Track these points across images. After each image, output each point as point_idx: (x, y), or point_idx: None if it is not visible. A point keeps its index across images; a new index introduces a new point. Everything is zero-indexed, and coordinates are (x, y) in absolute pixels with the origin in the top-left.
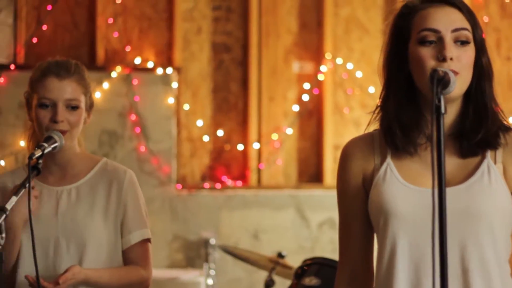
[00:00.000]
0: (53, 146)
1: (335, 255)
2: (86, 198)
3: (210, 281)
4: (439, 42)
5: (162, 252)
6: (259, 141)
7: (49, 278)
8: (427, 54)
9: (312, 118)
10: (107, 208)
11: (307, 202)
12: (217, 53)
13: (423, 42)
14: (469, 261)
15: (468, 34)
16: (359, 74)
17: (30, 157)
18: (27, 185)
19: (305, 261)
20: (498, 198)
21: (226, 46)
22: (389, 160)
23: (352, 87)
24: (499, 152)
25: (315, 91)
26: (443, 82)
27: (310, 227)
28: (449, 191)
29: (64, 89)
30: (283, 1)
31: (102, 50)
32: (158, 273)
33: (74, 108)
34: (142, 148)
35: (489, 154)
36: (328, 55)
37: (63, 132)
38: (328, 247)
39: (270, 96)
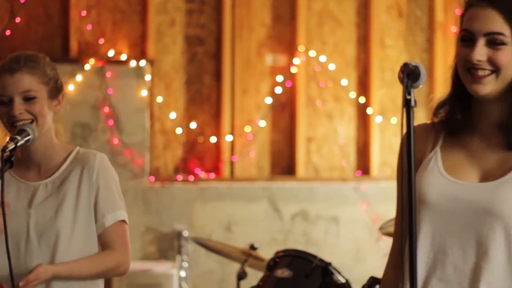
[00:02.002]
0: (26, 138)
1: (307, 247)
2: (57, 191)
3: (183, 273)
4: (472, 43)
5: (135, 244)
6: (232, 133)
7: (20, 274)
8: (462, 53)
9: (285, 111)
10: (78, 196)
11: (279, 194)
12: (190, 46)
13: (462, 41)
14: (482, 258)
15: (503, 38)
16: (332, 66)
17: (3, 150)
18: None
19: (277, 253)
20: None
21: (199, 38)
22: (437, 149)
23: (325, 79)
24: None
25: (288, 84)
26: (413, 75)
27: (283, 219)
28: (481, 187)
29: (16, 83)
30: None
31: (75, 42)
32: (131, 265)
33: (31, 99)
34: (115, 141)
35: None
36: (301, 48)
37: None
38: (301, 239)
39: (243, 88)
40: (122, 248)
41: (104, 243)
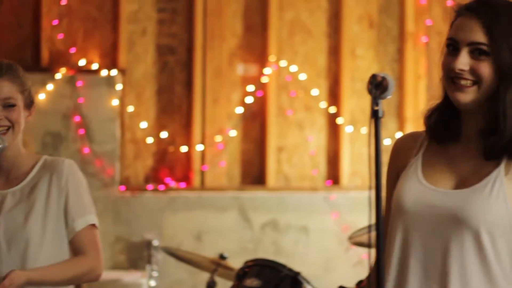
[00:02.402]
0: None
1: (277, 257)
2: (27, 199)
3: (152, 283)
4: (456, 52)
5: (105, 253)
6: (202, 143)
7: None
8: (446, 61)
9: (255, 120)
10: (47, 202)
11: (250, 203)
12: (161, 55)
13: (447, 49)
14: (449, 265)
15: (485, 48)
16: (302, 76)
17: None
18: None
19: (246, 262)
20: (492, 209)
21: (170, 48)
22: (419, 156)
23: (296, 89)
24: None
25: (259, 94)
26: (381, 86)
27: (253, 228)
28: (453, 194)
29: None
30: (228, 4)
31: (46, 51)
32: None
33: (11, 106)
34: (86, 150)
35: (503, 165)
36: (272, 58)
37: (5, 132)
38: (271, 248)
39: (214, 98)
40: (93, 252)
41: (75, 249)
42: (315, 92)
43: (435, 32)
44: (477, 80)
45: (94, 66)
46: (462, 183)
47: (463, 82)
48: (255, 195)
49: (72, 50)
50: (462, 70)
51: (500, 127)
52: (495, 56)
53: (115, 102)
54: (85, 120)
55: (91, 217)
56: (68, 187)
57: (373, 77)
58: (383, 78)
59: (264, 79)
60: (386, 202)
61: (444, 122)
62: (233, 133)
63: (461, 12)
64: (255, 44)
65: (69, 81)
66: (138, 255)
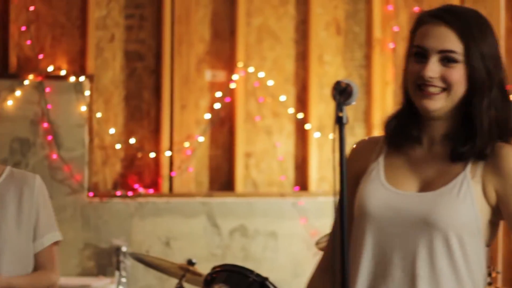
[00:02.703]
0: None
1: (246, 263)
2: None
3: None
4: (425, 60)
5: (74, 260)
6: (171, 149)
7: None
8: (413, 69)
9: (224, 126)
10: (19, 215)
11: (218, 209)
12: (129, 61)
13: (414, 57)
14: (419, 268)
15: (456, 56)
16: (270, 82)
17: None
18: None
19: (214, 268)
20: (460, 211)
21: (139, 54)
22: (380, 159)
23: (264, 95)
24: (480, 167)
25: (227, 100)
26: (345, 93)
27: (221, 234)
28: (420, 196)
29: None
30: (196, 10)
31: (14, 57)
32: (69, 281)
33: None
34: (54, 156)
35: (469, 167)
36: (240, 64)
37: None
38: (239, 254)
39: (182, 104)
40: (55, 268)
41: (39, 263)
42: (283, 98)
43: (402, 38)
44: (447, 87)
45: (62, 72)
46: (427, 186)
47: (431, 89)
48: (223, 200)
49: (40, 56)
50: (431, 77)
51: (477, 132)
52: (468, 63)
53: (83, 108)
54: (53, 126)
55: (57, 233)
56: (39, 203)
57: (338, 83)
58: (347, 85)
59: (232, 85)
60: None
61: (403, 127)
62: (201, 139)
63: (426, 19)
64: (223, 50)
65: (37, 87)
66: (106, 261)
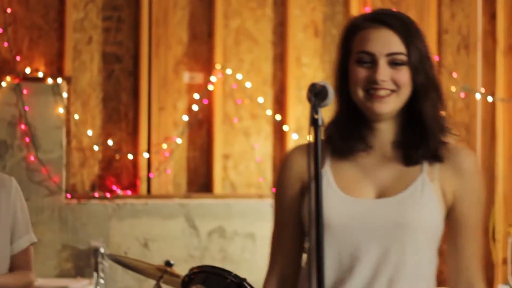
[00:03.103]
0: None
1: (224, 264)
2: None
3: None
4: (373, 64)
5: (51, 261)
6: (148, 150)
7: None
8: (361, 74)
9: (202, 128)
10: None
11: (196, 211)
12: (107, 63)
13: (359, 62)
14: (393, 272)
15: (403, 57)
16: (248, 84)
17: None
18: None
19: (192, 269)
20: (426, 213)
21: (116, 56)
22: (327, 167)
23: (242, 97)
24: (437, 169)
25: (205, 101)
26: (321, 95)
27: (200, 236)
28: (382, 202)
29: None
30: (173, 12)
31: None
32: (47, 282)
33: None
34: (32, 158)
35: (426, 170)
36: (218, 66)
37: None
38: (218, 255)
39: (160, 106)
40: (31, 269)
41: (15, 264)
42: (261, 100)
43: None
44: (396, 89)
45: (40, 74)
46: (384, 192)
47: (382, 92)
48: (201, 202)
49: (18, 58)
50: (383, 80)
51: (428, 134)
52: (411, 65)
53: (61, 110)
54: (30, 128)
55: (33, 235)
56: (17, 205)
57: (313, 85)
58: (323, 87)
59: (210, 87)
60: (282, 215)
61: (350, 134)
62: (179, 140)
63: (364, 24)
64: (201, 52)
65: (15, 89)
66: (84, 263)
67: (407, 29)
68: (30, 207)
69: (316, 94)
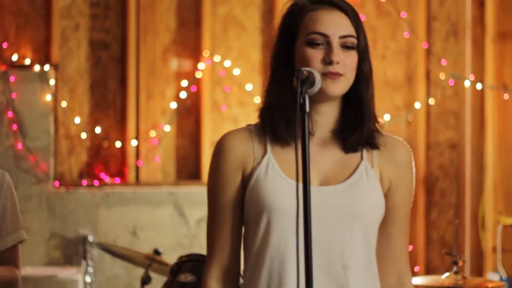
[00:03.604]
0: None
1: None
2: None
3: (88, 279)
4: (327, 45)
5: (40, 249)
6: (137, 138)
7: None
8: (314, 55)
9: (190, 116)
10: None
11: (185, 199)
12: (95, 50)
13: (311, 44)
14: (347, 257)
15: (354, 41)
16: (236, 71)
17: None
18: None
19: (180, 257)
20: (373, 200)
21: (104, 43)
22: (269, 154)
23: (230, 84)
24: (376, 157)
25: (193, 89)
26: (308, 81)
27: (188, 224)
28: (329, 190)
29: None
30: None
31: None
32: (35, 271)
33: None
34: (19, 146)
35: (366, 157)
36: (206, 53)
37: None
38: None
39: (148, 93)
40: (18, 266)
41: (1, 261)
42: (249, 87)
43: (367, 28)
44: (345, 72)
45: (27, 61)
46: (328, 179)
47: (337, 74)
48: (190, 190)
49: (4, 45)
50: (337, 62)
51: (361, 122)
52: (360, 50)
53: (48, 97)
54: (18, 116)
55: (22, 233)
56: (7, 201)
57: (299, 71)
58: (310, 73)
59: (198, 74)
60: (221, 205)
61: (291, 119)
62: (167, 128)
63: (313, 6)
64: (189, 39)
65: (2, 76)
66: (73, 251)
67: (355, 14)
68: (18, 195)
69: (303, 81)
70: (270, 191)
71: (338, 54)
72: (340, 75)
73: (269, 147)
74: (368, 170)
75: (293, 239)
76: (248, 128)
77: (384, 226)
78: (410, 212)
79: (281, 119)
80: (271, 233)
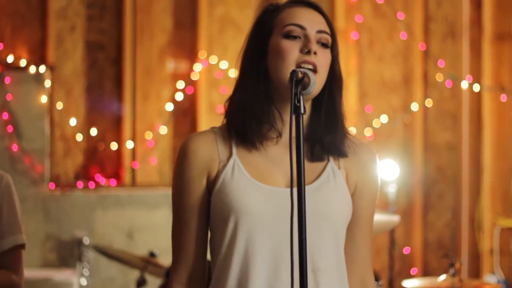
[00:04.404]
0: None
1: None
2: None
3: (83, 281)
4: (304, 38)
5: (35, 252)
6: (133, 140)
7: None
8: (291, 46)
9: (186, 117)
10: None
11: None
12: (91, 52)
13: (288, 36)
14: (317, 260)
15: (329, 38)
16: (233, 73)
17: None
18: None
19: None
20: (342, 201)
21: (100, 44)
22: (235, 156)
23: (226, 86)
24: (342, 158)
25: (189, 90)
26: (302, 83)
27: None
28: (296, 192)
29: None
30: (157, 0)
31: None
32: (31, 273)
33: None
34: (15, 147)
35: (332, 158)
36: (202, 54)
37: None
38: None
39: (144, 95)
40: (18, 271)
41: (2, 264)
42: None
43: (365, 29)
44: (320, 68)
45: (23, 63)
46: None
47: (312, 63)
48: None
49: (0, 46)
50: (315, 52)
51: (334, 127)
52: (333, 51)
53: (44, 99)
54: (13, 117)
55: (20, 237)
56: (3, 204)
57: (293, 72)
58: (305, 74)
59: (194, 76)
60: (186, 209)
61: (264, 120)
62: (163, 130)
63: (291, 4)
64: (185, 40)
65: None
66: (68, 253)
67: (329, 19)
68: None
69: (297, 82)
70: (237, 194)
71: (316, 47)
72: (315, 71)
73: (234, 150)
74: (335, 171)
75: (260, 243)
76: (213, 130)
77: (349, 230)
78: (374, 219)
79: (252, 118)
80: (238, 236)
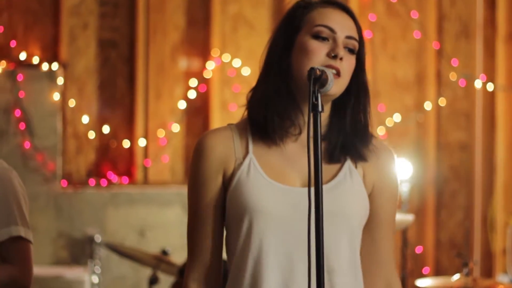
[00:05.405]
0: None
1: None
2: None
3: (95, 279)
4: (333, 41)
5: (47, 249)
6: (145, 137)
7: None
8: (319, 48)
9: (199, 115)
10: None
11: None
12: (103, 49)
13: (317, 36)
14: (333, 260)
15: (356, 45)
16: (246, 71)
17: None
18: None
19: None
20: (358, 200)
21: (113, 42)
22: (251, 154)
23: (239, 84)
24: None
25: (202, 88)
26: (320, 80)
27: None
28: (313, 191)
29: None
30: None
31: None
32: (42, 270)
33: None
34: (27, 145)
35: (349, 157)
36: (215, 52)
37: None
38: None
39: (156, 92)
40: (20, 264)
41: (1, 258)
42: None
43: (378, 28)
44: (344, 74)
45: (35, 60)
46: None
47: (337, 69)
48: None
49: (13, 43)
50: (342, 58)
51: (358, 135)
52: (360, 58)
53: (56, 96)
54: (26, 115)
55: (16, 228)
56: None
57: (311, 70)
58: (322, 72)
59: (207, 74)
60: (202, 207)
61: (286, 117)
62: (176, 127)
63: (323, 4)
64: (198, 38)
65: (10, 75)
66: (80, 251)
67: (360, 26)
68: None
69: (315, 80)
70: (252, 193)
71: (344, 51)
72: (339, 75)
73: (251, 147)
74: (352, 170)
75: (274, 242)
76: (230, 127)
77: (369, 231)
78: (395, 220)
79: (275, 113)
80: (252, 236)
